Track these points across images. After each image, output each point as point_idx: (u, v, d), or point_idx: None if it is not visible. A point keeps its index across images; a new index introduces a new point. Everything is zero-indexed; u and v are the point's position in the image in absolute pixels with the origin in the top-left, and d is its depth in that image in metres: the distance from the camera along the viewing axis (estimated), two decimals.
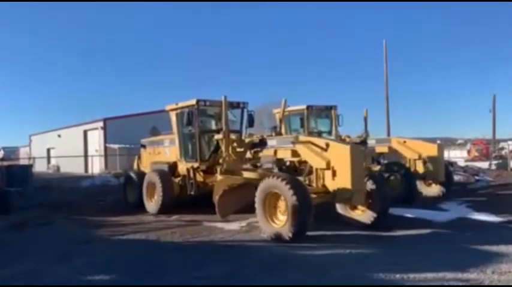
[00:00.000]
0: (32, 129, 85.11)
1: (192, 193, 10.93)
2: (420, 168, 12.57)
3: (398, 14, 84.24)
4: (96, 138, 36.75)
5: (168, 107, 11.99)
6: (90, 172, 32.40)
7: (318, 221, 7.64)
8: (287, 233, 7.33)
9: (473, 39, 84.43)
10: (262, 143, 9.74)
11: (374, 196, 8.30)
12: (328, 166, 7.94)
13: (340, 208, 8.94)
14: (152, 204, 11.61)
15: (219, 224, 9.52)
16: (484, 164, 22.99)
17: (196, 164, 10.91)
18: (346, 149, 7.83)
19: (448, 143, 44.16)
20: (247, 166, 10.10)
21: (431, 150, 12.56)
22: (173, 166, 11.85)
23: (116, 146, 33.06)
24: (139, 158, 14.32)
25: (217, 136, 10.14)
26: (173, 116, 11.75)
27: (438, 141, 10.30)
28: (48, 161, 43.05)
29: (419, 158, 12.51)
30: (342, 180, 7.71)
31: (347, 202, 8.23)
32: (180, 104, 11.36)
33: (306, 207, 7.26)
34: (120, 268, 6.25)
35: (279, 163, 9.42)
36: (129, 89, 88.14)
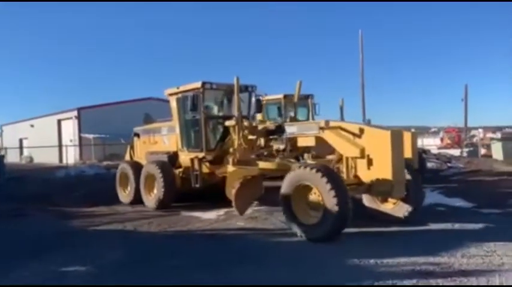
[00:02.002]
0: (2, 119, 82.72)
1: (197, 185, 10.01)
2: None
3: (375, 5, 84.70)
4: (70, 128, 36.06)
5: (167, 92, 10.94)
6: (64, 162, 31.80)
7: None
8: (323, 231, 6.55)
9: (447, 30, 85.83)
10: (279, 130, 8.83)
11: (410, 187, 7.35)
12: (362, 154, 7.12)
13: (367, 201, 8.21)
14: (151, 198, 10.64)
15: (197, 214, 9.52)
16: (456, 152, 23.59)
17: (201, 154, 9.94)
18: (386, 135, 6.97)
19: (422, 131, 45.07)
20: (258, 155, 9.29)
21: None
22: (173, 156, 10.84)
23: (91, 136, 32.55)
24: (131, 147, 13.29)
25: (228, 122, 9.23)
26: (173, 101, 10.71)
27: (412, 130, 9.15)
28: (21, 152, 41.98)
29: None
30: (380, 170, 6.95)
31: (386, 194, 7.47)
32: (182, 88, 10.33)
33: (345, 202, 6.44)
34: (95, 259, 6.17)
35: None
36: (104, 78, 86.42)
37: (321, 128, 7.79)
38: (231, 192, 8.18)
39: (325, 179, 6.48)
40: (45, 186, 15.61)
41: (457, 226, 7.53)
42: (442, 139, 35.06)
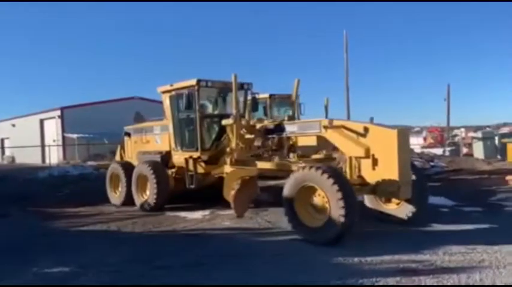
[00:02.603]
0: None
1: (193, 186, 9.75)
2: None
3: (360, 7, 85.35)
4: (53, 128, 35.54)
5: (160, 89, 10.59)
6: (47, 162, 31.34)
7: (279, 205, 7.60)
8: (328, 234, 6.32)
9: (430, 31, 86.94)
10: (279, 129, 8.55)
11: (414, 187, 7.03)
12: (367, 154, 6.89)
13: (369, 202, 7.96)
14: (144, 200, 10.34)
15: (182, 214, 9.49)
16: (438, 151, 23.91)
17: (196, 154, 9.66)
18: (392, 134, 6.71)
19: None
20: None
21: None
22: (166, 156, 10.51)
23: (75, 135, 32.16)
24: (122, 147, 12.94)
25: (225, 121, 8.87)
26: (166, 99, 10.35)
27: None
28: (2, 152, 41.30)
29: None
30: (386, 170, 6.71)
31: (392, 195, 7.18)
32: (176, 85, 9.99)
33: (352, 204, 6.21)
34: (79, 260, 6.11)
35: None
36: (87, 77, 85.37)
37: (325, 127, 7.51)
38: (230, 193, 7.99)
39: (331, 181, 6.24)
40: (27, 186, 15.35)
41: (439, 224, 7.64)
42: (425, 138, 35.51)
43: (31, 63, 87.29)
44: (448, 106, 34.25)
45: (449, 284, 4.64)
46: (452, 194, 10.89)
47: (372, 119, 7.48)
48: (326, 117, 13.36)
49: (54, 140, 34.52)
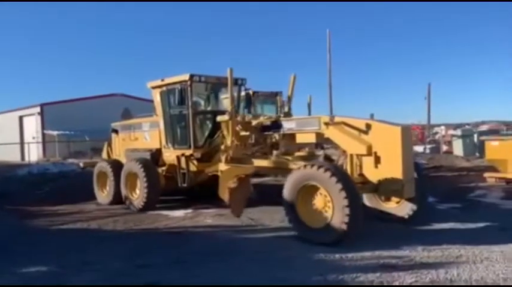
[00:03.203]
0: None
1: (185, 184, 9.54)
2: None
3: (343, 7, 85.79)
4: (33, 125, 34.87)
5: (150, 84, 10.27)
6: (27, 160, 30.76)
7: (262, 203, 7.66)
8: (332, 235, 6.13)
9: (413, 31, 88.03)
10: (276, 126, 8.28)
11: (416, 185, 6.88)
12: (369, 152, 6.67)
13: (368, 200, 7.76)
14: (134, 199, 10.01)
15: (164, 212, 9.44)
16: (419, 148, 24.23)
17: (188, 151, 9.40)
18: (396, 131, 6.54)
19: None
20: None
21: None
22: (156, 154, 10.25)
23: (55, 132, 31.61)
24: (109, 145, 12.65)
25: (220, 118, 8.56)
26: (157, 95, 10.05)
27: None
28: None
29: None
30: (389, 168, 6.53)
31: (395, 194, 6.97)
32: (168, 80, 9.69)
33: (357, 203, 6.08)
34: (58, 259, 6.03)
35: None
36: (68, 73, 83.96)
37: (326, 124, 7.27)
38: (225, 192, 7.71)
39: (334, 179, 6.03)
40: (6, 184, 15.03)
41: (418, 220, 7.74)
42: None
43: (9, 59, 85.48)
44: (428, 104, 34.79)
45: (427, 279, 4.71)
46: (432, 190, 11.04)
47: (372, 116, 7.43)
48: (309, 115, 13.47)
49: (33, 137, 33.86)
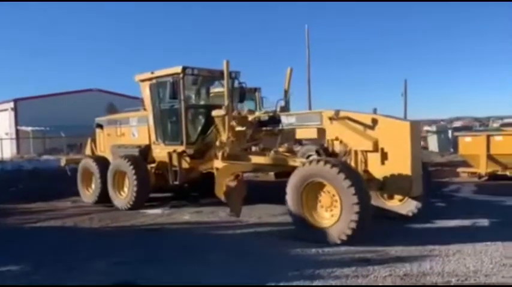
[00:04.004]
0: None
1: (177, 182, 9.13)
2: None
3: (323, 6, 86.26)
4: (6, 121, 34.08)
5: (138, 77, 9.76)
6: (0, 157, 30.01)
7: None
8: (341, 234, 5.84)
9: (389, 30, 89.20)
10: (274, 121, 7.96)
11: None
12: (375, 148, 6.44)
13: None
14: (122, 198, 9.60)
15: (141, 209, 9.33)
16: None
17: (180, 148, 8.98)
18: (405, 126, 6.33)
19: None
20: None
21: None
22: (145, 150, 9.78)
23: (29, 128, 30.97)
24: (93, 141, 12.02)
25: (215, 112, 8.16)
26: (146, 88, 9.55)
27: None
28: None
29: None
30: (397, 165, 6.28)
31: (403, 192, 6.73)
32: (158, 73, 9.19)
33: (367, 201, 5.85)
34: (31, 257, 5.91)
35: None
36: (43, 68, 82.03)
37: (330, 119, 6.95)
38: (222, 190, 7.36)
39: (342, 175, 5.75)
40: None
41: (394, 214, 7.86)
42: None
43: None
44: (405, 101, 35.31)
45: (401, 272, 4.80)
46: None
47: (375, 111, 7.31)
48: (288, 111, 13.49)
49: (6, 133, 33.12)
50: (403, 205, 7.24)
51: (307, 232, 6.21)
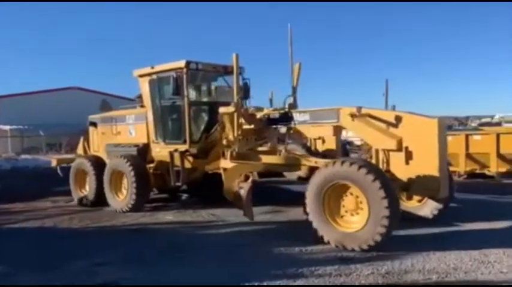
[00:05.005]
0: None
1: (179, 183, 8.69)
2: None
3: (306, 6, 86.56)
4: None
5: (137, 72, 9.31)
6: None
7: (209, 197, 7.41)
8: (368, 239, 5.45)
9: (370, 31, 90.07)
10: (285, 119, 7.61)
11: None
12: (399, 147, 6.11)
13: None
14: (120, 200, 9.10)
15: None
16: None
17: (183, 147, 8.54)
18: (432, 123, 5.94)
19: None
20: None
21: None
22: (144, 150, 9.33)
23: (7, 127, 30.29)
24: (86, 139, 11.52)
25: (223, 109, 7.68)
26: (145, 84, 9.12)
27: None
28: None
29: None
30: (423, 165, 5.94)
31: (430, 194, 6.36)
32: (159, 68, 8.75)
33: (397, 203, 5.53)
34: (11, 259, 5.79)
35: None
36: (21, 65, 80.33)
37: (352, 116, 6.57)
38: (232, 193, 7.05)
39: (371, 177, 5.39)
40: None
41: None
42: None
43: None
44: (386, 100, 35.74)
45: (383, 270, 4.86)
46: None
47: (394, 107, 7.02)
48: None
49: None
50: (422, 206, 6.95)
51: (332, 236, 5.82)
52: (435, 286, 4.48)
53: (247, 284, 4.54)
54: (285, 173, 12.63)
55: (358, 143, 20.60)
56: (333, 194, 5.93)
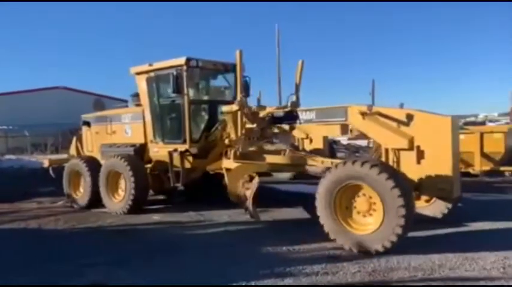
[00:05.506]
0: None
1: (179, 184, 8.48)
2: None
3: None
4: None
5: (134, 70, 9.03)
6: None
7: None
8: (384, 241, 5.28)
9: (355, 31, 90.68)
10: (290, 117, 7.41)
11: None
12: (410, 146, 5.96)
13: None
14: (117, 201, 8.80)
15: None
16: (364, 142, 25.10)
17: (183, 147, 8.32)
18: (446, 121, 5.81)
19: None
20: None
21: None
22: (141, 149, 9.10)
23: None
24: (79, 139, 11.23)
25: (226, 108, 7.54)
26: (142, 82, 8.87)
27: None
28: None
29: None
30: (435, 164, 5.80)
31: (443, 194, 6.11)
32: (157, 65, 8.52)
33: (412, 203, 5.40)
34: None
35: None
36: (5, 65, 79.05)
37: (362, 114, 6.38)
38: (237, 194, 6.96)
39: (385, 176, 5.24)
40: None
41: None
42: (351, 130, 37.06)
43: None
44: (372, 100, 36.03)
45: (369, 268, 4.91)
46: None
47: (401, 105, 6.91)
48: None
49: None
50: (431, 206, 6.78)
51: (346, 239, 5.64)
52: (422, 286, 4.53)
53: (234, 284, 4.54)
54: (273, 173, 12.66)
55: (345, 142, 20.75)
56: (344, 195, 5.78)
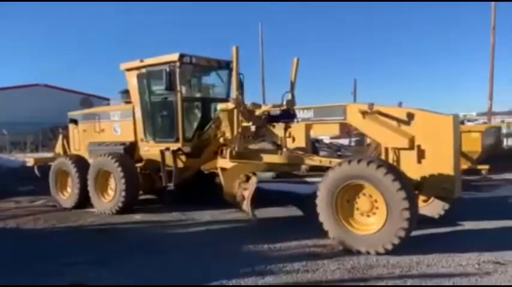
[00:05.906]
0: None
1: (171, 184, 8.33)
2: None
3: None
4: None
5: (125, 66, 8.80)
6: None
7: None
8: (386, 242, 5.24)
9: (339, 30, 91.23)
10: (287, 116, 7.24)
11: None
12: (411, 145, 5.88)
13: None
14: (107, 201, 8.58)
15: (90, 208, 9.03)
16: (345, 141, 25.34)
17: (175, 145, 8.14)
18: (447, 120, 5.75)
19: None
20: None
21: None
22: (131, 148, 8.85)
23: None
24: (65, 138, 10.93)
25: (222, 105, 7.45)
26: (133, 78, 8.65)
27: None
28: None
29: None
30: (436, 164, 5.75)
31: (445, 194, 6.02)
32: (149, 61, 8.31)
33: (416, 205, 5.41)
34: None
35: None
36: None
37: (363, 113, 6.26)
38: (233, 194, 6.90)
39: (390, 177, 5.17)
40: None
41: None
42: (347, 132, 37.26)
43: None
44: (354, 99, 36.42)
45: (349, 265, 5.00)
46: None
47: (400, 104, 6.77)
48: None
49: None
50: (429, 207, 6.71)
51: (345, 238, 5.60)
52: (399, 282, 4.62)
53: (215, 282, 4.57)
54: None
55: (327, 141, 20.91)
56: (345, 195, 5.72)
